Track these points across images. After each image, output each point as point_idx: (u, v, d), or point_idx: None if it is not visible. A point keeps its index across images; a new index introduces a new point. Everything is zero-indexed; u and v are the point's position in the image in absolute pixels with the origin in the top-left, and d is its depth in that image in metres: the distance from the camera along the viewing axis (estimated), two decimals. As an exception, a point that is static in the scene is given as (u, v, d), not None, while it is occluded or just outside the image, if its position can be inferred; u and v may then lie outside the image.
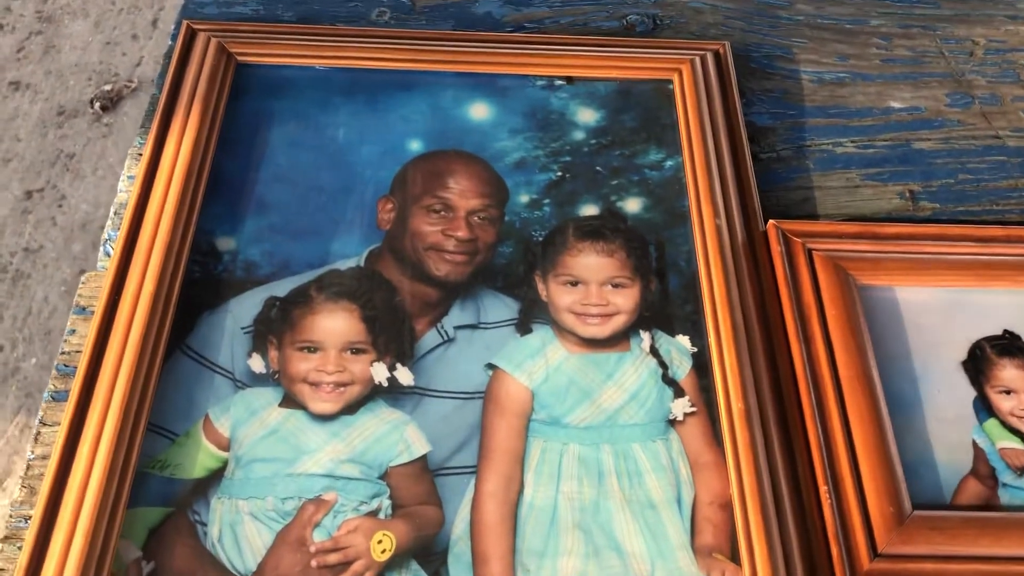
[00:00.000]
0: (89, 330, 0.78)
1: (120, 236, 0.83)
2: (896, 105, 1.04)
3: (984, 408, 0.81)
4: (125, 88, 2.40)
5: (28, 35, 2.48)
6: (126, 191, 0.91)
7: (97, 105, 2.34)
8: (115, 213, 0.91)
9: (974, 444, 0.79)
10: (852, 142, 1.01)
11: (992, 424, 0.80)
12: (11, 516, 0.73)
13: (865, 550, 0.72)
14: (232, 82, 0.98)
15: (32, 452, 0.76)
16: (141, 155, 0.90)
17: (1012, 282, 0.87)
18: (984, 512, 0.76)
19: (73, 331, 0.83)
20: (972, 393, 0.82)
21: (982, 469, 0.78)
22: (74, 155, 2.26)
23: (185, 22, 1.00)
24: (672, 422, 0.80)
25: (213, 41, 0.98)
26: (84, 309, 0.84)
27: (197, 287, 0.84)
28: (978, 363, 0.83)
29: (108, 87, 2.39)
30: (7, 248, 2.06)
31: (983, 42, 1.12)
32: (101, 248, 0.89)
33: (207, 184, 0.90)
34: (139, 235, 0.84)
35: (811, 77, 1.07)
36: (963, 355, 0.84)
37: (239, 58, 0.99)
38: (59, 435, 0.72)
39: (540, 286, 0.86)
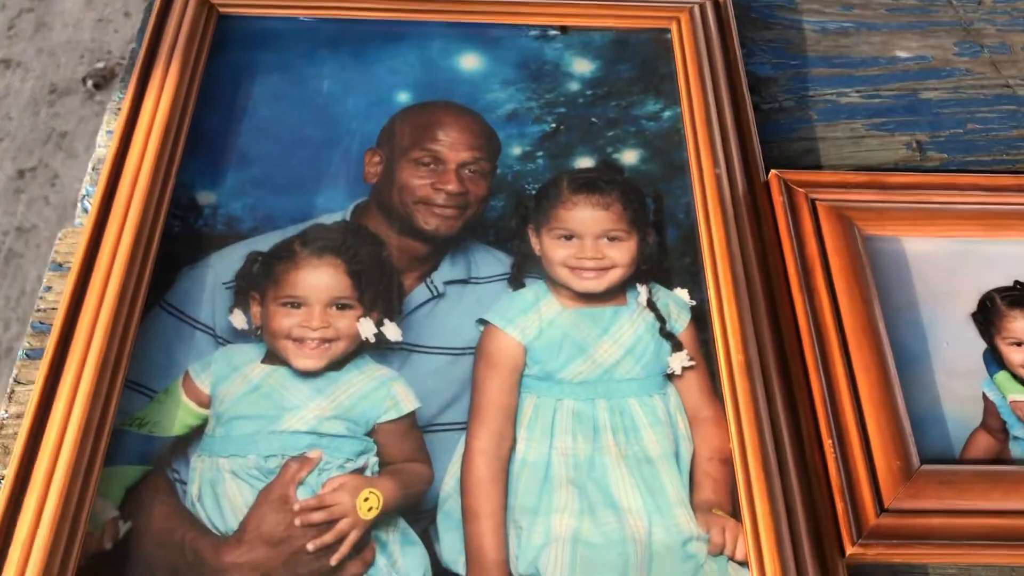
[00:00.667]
0: (65, 287, 0.75)
1: (97, 191, 0.81)
2: (902, 55, 1.01)
3: (994, 361, 0.78)
4: (118, 66, 2.37)
5: (19, 12, 2.45)
6: (105, 147, 0.88)
7: (90, 83, 2.31)
8: (93, 169, 0.88)
9: (984, 397, 0.76)
10: (857, 92, 0.98)
11: (1003, 377, 0.77)
12: (-16, 476, 0.70)
13: (871, 505, 0.69)
14: (214, 34, 0.95)
15: (6, 411, 0.74)
16: (120, 109, 0.87)
17: (1022, 232, 0.84)
18: (995, 466, 0.73)
19: (49, 288, 0.80)
20: (982, 345, 0.79)
21: (992, 423, 0.75)
22: (66, 134, 2.23)
23: (165, -27, 0.96)
24: (670, 376, 0.77)
25: (194, -8, 0.95)
26: (60, 266, 0.81)
27: (177, 242, 0.81)
28: (988, 315, 0.80)
29: (101, 65, 2.36)
30: (0, 228, 2.03)
31: (992, -10, 1.08)
32: (79, 204, 0.86)
33: (187, 138, 0.87)
34: (117, 190, 0.81)
35: (814, 27, 1.03)
36: (972, 307, 0.81)
37: (221, 9, 0.96)
38: (33, 393, 0.70)
39: (533, 240, 0.83)
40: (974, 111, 0.96)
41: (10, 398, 0.74)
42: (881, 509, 0.69)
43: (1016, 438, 0.74)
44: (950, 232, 0.84)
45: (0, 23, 2.41)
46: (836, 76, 0.99)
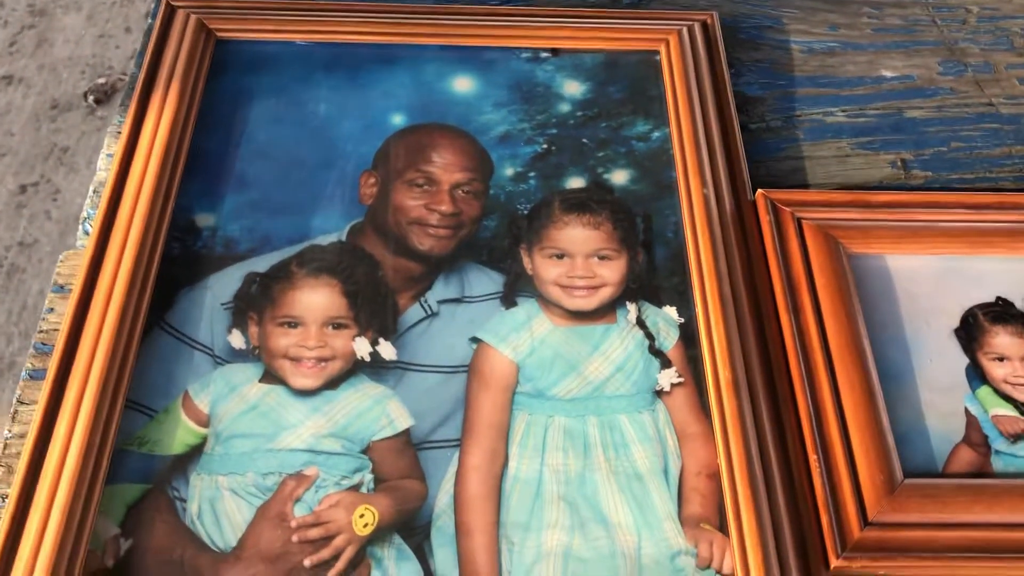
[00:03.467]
0: (67, 308, 0.77)
1: (98, 214, 0.82)
2: (888, 74, 1.03)
3: (977, 376, 0.80)
4: (119, 81, 2.38)
5: (21, 29, 2.47)
6: (106, 170, 0.90)
7: (91, 98, 2.32)
8: (94, 192, 0.90)
9: (967, 412, 0.78)
10: (843, 111, 0.99)
11: (985, 391, 0.79)
12: (-12, 495, 0.72)
13: (856, 518, 0.70)
14: (212, 58, 0.97)
15: (9, 431, 0.75)
16: (120, 133, 0.89)
17: (1005, 249, 0.86)
18: (977, 479, 0.75)
19: (51, 309, 0.82)
20: (964, 361, 0.81)
21: (975, 437, 0.77)
22: (68, 148, 2.25)
23: (164, -1, 0.99)
24: (659, 393, 0.79)
25: (192, 17, 0.97)
26: (62, 288, 0.83)
27: (176, 264, 0.83)
28: (971, 330, 0.82)
29: (102, 80, 2.37)
30: (1, 243, 2.05)
31: (976, 10, 1.10)
32: (80, 226, 0.87)
33: (186, 161, 0.89)
34: (117, 213, 0.83)
35: (801, 47, 1.05)
36: (955, 323, 0.82)
37: (219, 34, 0.98)
38: (36, 413, 0.71)
39: (525, 259, 0.85)
40: (957, 129, 0.98)
41: (13, 418, 0.76)
42: (865, 522, 0.70)
43: (997, 452, 0.76)
44: (934, 249, 0.86)
45: (2, 39, 2.43)
46: (822, 96, 1.01)
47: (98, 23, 2.52)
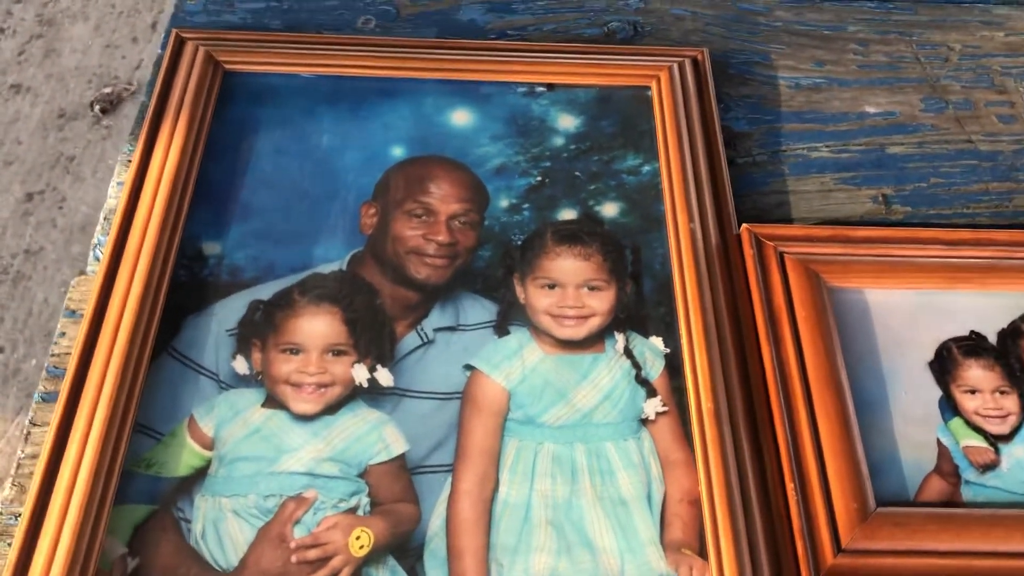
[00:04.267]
0: (78, 333, 0.80)
1: (109, 241, 0.86)
2: (871, 110, 1.06)
3: (949, 407, 0.83)
4: (125, 91, 2.42)
5: (29, 38, 2.50)
6: (115, 197, 0.94)
7: (97, 108, 2.36)
8: (104, 219, 0.93)
9: (938, 442, 0.81)
10: (827, 147, 1.03)
11: (957, 423, 0.82)
12: (1, 514, 0.75)
13: (829, 545, 0.73)
14: (219, 90, 1.00)
15: (22, 452, 0.79)
16: (131, 162, 0.92)
17: (979, 284, 0.89)
18: (946, 508, 0.78)
19: (63, 334, 0.85)
20: (938, 393, 0.84)
21: (945, 467, 0.80)
22: (74, 157, 2.28)
23: (174, 31, 1.02)
24: (644, 421, 0.82)
25: (201, 50, 1.01)
26: (74, 312, 0.87)
27: (183, 291, 0.86)
28: (944, 363, 0.85)
29: (108, 90, 2.41)
30: (8, 250, 2.08)
31: (958, 48, 1.14)
32: (91, 253, 0.91)
33: (194, 190, 0.92)
34: (127, 240, 0.86)
35: (788, 83, 1.09)
36: (930, 355, 0.86)
37: (226, 66, 1.02)
38: (48, 435, 0.74)
39: (518, 289, 0.88)
40: (937, 166, 1.02)
41: (26, 439, 0.79)
42: (838, 549, 0.73)
43: (967, 482, 0.79)
44: (911, 284, 0.89)
45: (10, 49, 2.46)
46: (807, 131, 1.04)
47: (105, 33, 2.55)
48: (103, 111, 2.37)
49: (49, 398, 0.81)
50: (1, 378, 1.91)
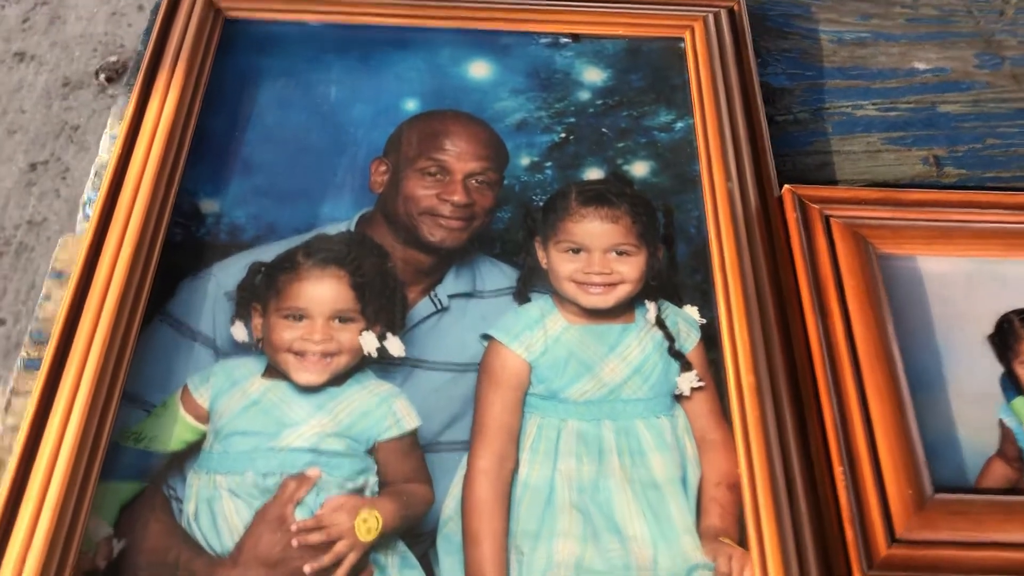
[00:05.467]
0: (64, 296, 0.74)
1: (99, 198, 0.80)
2: (921, 66, 0.99)
3: (1012, 386, 0.77)
4: (130, 59, 2.37)
5: (33, 6, 2.46)
6: (108, 152, 0.88)
7: (102, 76, 2.32)
8: (95, 174, 0.87)
9: (1001, 424, 0.75)
10: (873, 105, 0.96)
11: (1021, 402, 0.76)
12: (-23, 490, 0.69)
13: (883, 535, 0.68)
14: (219, 38, 0.94)
15: (2, 423, 0.73)
16: (125, 114, 0.86)
17: (1043, 252, 0.83)
18: (1011, 496, 0.72)
19: (48, 297, 0.80)
20: (999, 369, 0.78)
21: (1009, 450, 0.74)
22: (79, 127, 2.24)
23: (172, -25, 0.96)
24: (678, 397, 0.76)
25: (201, -5, 0.94)
26: (60, 274, 0.81)
27: (178, 251, 0.81)
28: (1006, 337, 0.79)
29: (113, 58, 2.36)
30: (11, 221, 2.04)
31: (1015, 0, 1.06)
32: (80, 211, 0.85)
33: (191, 144, 0.87)
34: (119, 197, 0.81)
35: (831, 37, 1.02)
36: (990, 329, 0.80)
37: (227, 13, 0.96)
38: (29, 405, 0.69)
39: (540, 253, 0.82)
40: (994, 126, 0.95)
41: (7, 409, 0.74)
42: (892, 539, 0.68)
43: (1033, 467, 0.73)
44: (967, 251, 0.83)
45: (15, 16, 2.42)
46: (852, 88, 0.97)
47: (110, 1, 2.51)
48: (108, 80, 2.32)
49: (32, 365, 0.76)
50: (3, 351, 1.87)
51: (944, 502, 0.69)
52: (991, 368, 0.78)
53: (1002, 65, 1.00)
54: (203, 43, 0.92)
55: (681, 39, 0.97)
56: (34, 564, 0.63)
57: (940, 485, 0.71)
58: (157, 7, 0.95)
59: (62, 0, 2.47)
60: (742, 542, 0.69)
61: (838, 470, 0.70)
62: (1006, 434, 0.74)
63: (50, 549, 0.63)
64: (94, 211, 0.79)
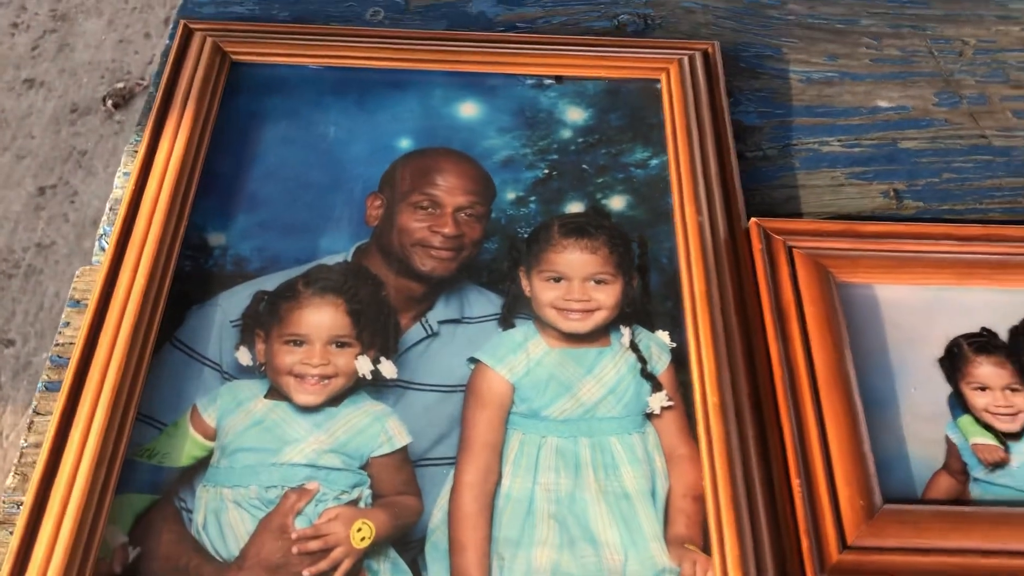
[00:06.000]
0: (82, 323, 0.80)
1: (114, 231, 0.86)
2: (884, 104, 1.05)
3: (959, 404, 0.82)
4: (137, 86, 2.43)
5: (43, 33, 2.51)
6: (122, 188, 0.94)
7: (110, 103, 2.37)
8: (111, 209, 0.93)
9: (947, 440, 0.80)
10: (839, 141, 1.02)
11: (966, 420, 0.81)
12: (4, 502, 0.75)
13: (835, 542, 0.73)
14: (226, 81, 1.00)
15: (25, 441, 0.79)
16: (137, 152, 0.92)
17: (991, 280, 0.88)
18: (954, 506, 0.77)
19: (68, 323, 0.85)
20: (947, 389, 0.83)
21: (954, 464, 0.79)
22: (86, 152, 2.29)
23: (182, 22, 1.02)
24: (649, 416, 0.81)
25: (209, 40, 1.00)
26: (78, 303, 0.86)
27: (188, 281, 0.86)
28: (955, 360, 0.84)
29: (121, 85, 2.42)
30: (20, 244, 2.09)
31: (973, 42, 1.12)
32: (96, 243, 0.91)
33: (200, 180, 0.92)
34: (133, 230, 0.86)
35: (800, 76, 1.08)
36: (940, 352, 0.84)
37: (234, 57, 1.01)
38: (51, 424, 0.74)
39: (524, 282, 0.88)
40: (950, 161, 1.00)
41: (29, 428, 0.79)
42: (844, 546, 0.73)
43: (976, 480, 0.78)
44: (921, 280, 0.88)
45: (24, 43, 2.48)
46: (819, 125, 1.03)
47: (118, 28, 2.56)
48: (115, 106, 2.38)
49: (53, 387, 0.81)
50: (12, 371, 1.92)
51: (892, 512, 0.74)
52: (940, 388, 0.83)
53: (960, 103, 1.06)
54: (211, 85, 0.97)
55: (658, 80, 1.02)
56: (56, 569, 0.68)
57: (889, 496, 0.75)
58: (168, 50, 1.01)
59: (71, 28, 2.53)
60: (706, 549, 0.74)
61: (795, 483, 0.75)
62: (951, 449, 0.80)
63: (71, 555, 0.69)
64: (109, 244, 0.85)
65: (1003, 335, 0.85)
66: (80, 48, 2.51)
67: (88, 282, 0.88)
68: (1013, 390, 0.82)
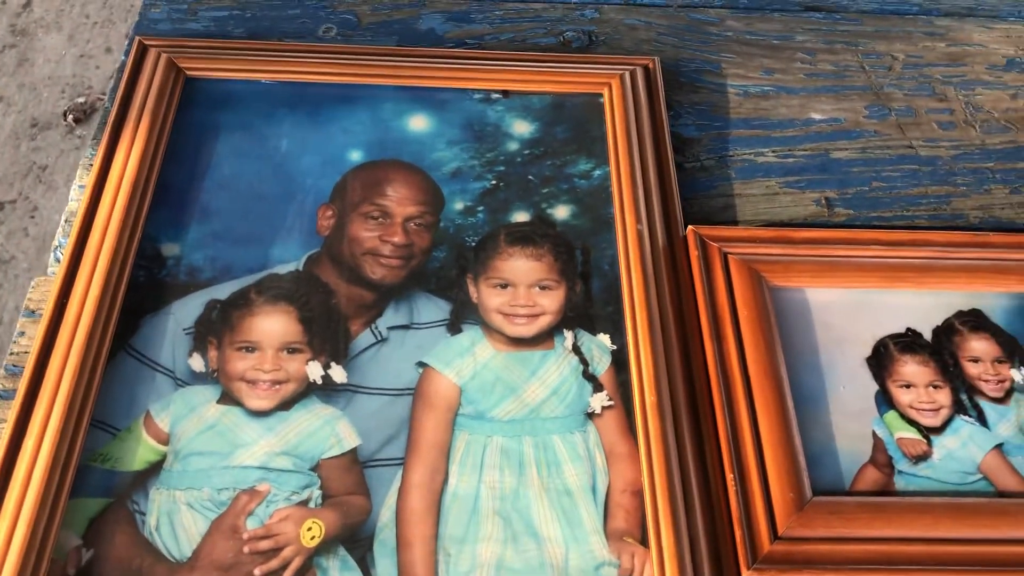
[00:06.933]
0: (37, 332, 0.82)
1: (69, 242, 0.87)
2: (817, 117, 1.10)
3: (885, 401, 0.86)
4: (98, 101, 2.43)
5: (2, 48, 2.51)
6: (78, 200, 0.95)
7: (70, 117, 2.37)
8: (66, 221, 0.95)
9: (874, 434, 0.84)
10: (773, 152, 1.06)
11: (891, 416, 0.85)
12: (-42, 508, 0.76)
13: (766, 533, 0.76)
14: (181, 95, 1.02)
15: (-20, 448, 0.80)
16: (92, 166, 0.94)
17: (916, 283, 0.92)
18: (879, 497, 0.81)
19: (22, 333, 0.87)
20: (874, 387, 0.87)
21: (880, 458, 0.83)
22: (47, 167, 2.29)
23: (137, 38, 1.04)
24: (591, 415, 0.85)
25: (163, 56, 1.03)
26: (33, 312, 0.88)
27: (141, 291, 0.88)
28: (881, 359, 0.88)
29: (81, 100, 2.42)
30: (-22, 259, 2.08)
31: (902, 57, 1.17)
32: (51, 254, 0.93)
33: (154, 193, 0.94)
34: (88, 241, 0.88)
35: (737, 90, 1.12)
36: (868, 352, 0.89)
37: (188, 72, 1.04)
38: (5, 431, 0.76)
39: (471, 288, 0.91)
40: (879, 170, 1.05)
41: (-16, 435, 0.81)
42: (775, 537, 0.76)
43: (900, 472, 0.82)
44: (851, 283, 0.92)
45: (-18, 59, 2.47)
46: (755, 137, 1.07)
47: (79, 43, 2.57)
48: (76, 121, 2.38)
49: (6, 396, 0.83)
50: (-30, 386, 1.91)
51: (821, 504, 0.78)
52: (867, 386, 0.87)
53: (889, 115, 1.11)
54: (165, 100, 1.00)
55: (601, 95, 1.06)
56: (10, 571, 0.69)
57: (819, 489, 0.79)
58: (123, 66, 1.03)
59: (31, 43, 2.53)
60: (644, 541, 0.77)
61: (729, 477, 0.79)
62: (877, 443, 0.84)
63: (24, 558, 0.70)
64: (64, 255, 0.87)
65: (927, 335, 0.90)
66: (40, 63, 2.51)
67: (44, 292, 0.89)
68: (935, 387, 0.87)
